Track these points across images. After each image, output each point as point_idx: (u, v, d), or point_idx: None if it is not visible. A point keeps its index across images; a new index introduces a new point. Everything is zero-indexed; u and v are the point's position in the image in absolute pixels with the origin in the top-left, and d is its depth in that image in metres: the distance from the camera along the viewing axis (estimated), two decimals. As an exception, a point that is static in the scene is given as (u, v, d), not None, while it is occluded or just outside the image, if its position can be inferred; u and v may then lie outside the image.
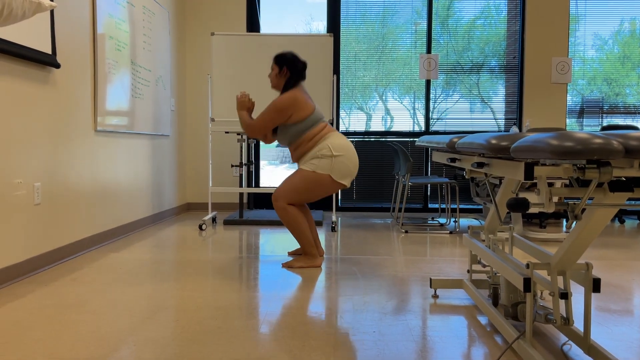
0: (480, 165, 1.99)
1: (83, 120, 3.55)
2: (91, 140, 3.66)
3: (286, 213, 3.26)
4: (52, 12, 3.15)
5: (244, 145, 5.26)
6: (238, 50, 4.86)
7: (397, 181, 5.51)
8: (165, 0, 5.19)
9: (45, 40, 3.05)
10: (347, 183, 3.30)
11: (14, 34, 2.77)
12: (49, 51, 3.10)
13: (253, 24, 5.96)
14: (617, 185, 1.48)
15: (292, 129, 3.28)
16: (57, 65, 3.15)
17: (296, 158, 3.37)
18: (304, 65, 3.38)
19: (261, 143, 6.12)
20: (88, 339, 2.01)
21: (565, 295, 1.72)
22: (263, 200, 6.14)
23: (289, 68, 3.34)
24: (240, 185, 5.28)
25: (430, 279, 2.65)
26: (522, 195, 4.25)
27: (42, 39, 3.02)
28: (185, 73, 5.92)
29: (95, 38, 3.70)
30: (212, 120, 4.88)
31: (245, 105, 3.42)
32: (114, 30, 3.98)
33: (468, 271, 2.60)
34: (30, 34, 2.91)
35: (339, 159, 3.23)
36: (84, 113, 3.56)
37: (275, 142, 3.58)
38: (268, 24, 6.06)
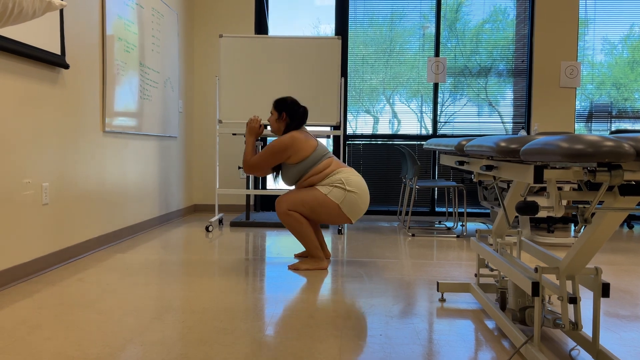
0: (489, 168, 1.98)
1: (91, 121, 3.56)
2: (99, 141, 3.67)
3: (289, 217, 3.25)
4: (61, 12, 3.17)
5: (251, 147, 5.26)
6: (246, 52, 4.87)
7: (404, 184, 5.50)
8: (174, 2, 5.21)
9: (54, 41, 3.07)
10: (353, 220, 3.27)
11: (24, 34, 2.79)
12: (58, 52, 3.11)
13: (261, 26, 5.97)
14: (627, 189, 1.46)
15: (294, 170, 3.28)
16: (66, 66, 3.16)
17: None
18: (304, 111, 3.38)
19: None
20: (95, 338, 2.01)
21: (574, 300, 1.71)
22: (270, 202, 6.14)
23: (288, 114, 3.35)
24: (247, 187, 5.29)
25: (438, 283, 2.64)
26: (530, 198, 4.23)
27: (51, 39, 3.04)
28: (194, 75, 5.94)
29: (105, 39, 3.71)
30: (220, 122, 4.88)
31: (254, 131, 3.42)
32: (123, 32, 4.00)
33: (475, 275, 2.58)
34: (39, 34, 2.92)
35: (352, 195, 3.19)
36: (92, 114, 3.57)
37: None
38: (276, 26, 6.07)
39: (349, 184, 3.21)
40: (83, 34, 3.45)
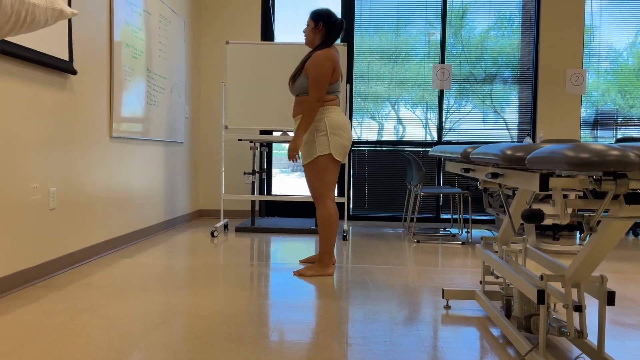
0: (495, 175, 1.98)
1: (99, 127, 3.59)
2: (106, 146, 3.70)
3: (327, 210, 3.29)
4: (69, 19, 3.20)
5: (257, 152, 5.28)
6: (252, 58, 4.89)
7: (409, 191, 5.50)
8: (181, 8, 5.25)
9: (62, 47, 3.10)
10: (343, 159, 3.32)
11: (32, 40, 2.82)
12: (66, 58, 3.14)
13: (267, 33, 6.00)
14: (633, 198, 1.47)
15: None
16: (74, 72, 3.19)
17: (295, 113, 3.37)
18: (341, 23, 3.34)
19: (274, 151, 6.14)
20: (101, 342, 2.03)
21: (579, 308, 1.71)
22: (275, 207, 6.16)
23: (325, 24, 3.31)
24: (253, 193, 5.30)
25: (443, 290, 2.64)
26: (535, 206, 4.22)
27: (59, 45, 3.07)
28: (200, 81, 5.97)
29: (112, 45, 3.74)
30: (226, 127, 4.91)
31: (297, 150, 3.31)
32: (131, 38, 4.03)
33: (481, 282, 2.58)
34: (48, 40, 2.95)
35: (334, 138, 3.24)
36: (99, 119, 3.60)
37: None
38: (282, 32, 6.10)
39: (330, 126, 3.23)
40: (91, 41, 3.48)
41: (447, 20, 5.95)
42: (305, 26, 3.40)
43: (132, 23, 4.05)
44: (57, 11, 1.55)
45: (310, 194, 3.37)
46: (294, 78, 3.35)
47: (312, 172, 3.30)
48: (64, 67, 3.07)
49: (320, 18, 3.31)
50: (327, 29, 3.31)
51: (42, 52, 2.88)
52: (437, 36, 5.97)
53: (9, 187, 2.67)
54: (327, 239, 3.30)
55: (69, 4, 3.18)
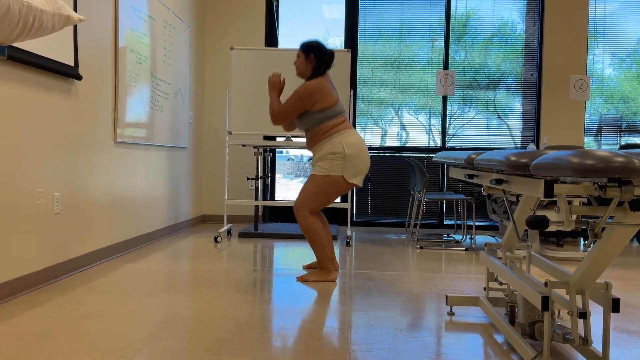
0: (499, 182, 1.98)
1: (103, 132, 3.60)
2: (110, 151, 3.71)
3: (307, 222, 3.27)
4: (75, 25, 3.22)
5: (260, 158, 5.29)
6: (256, 64, 4.91)
7: (413, 197, 5.50)
8: (186, 14, 5.28)
9: (68, 53, 3.12)
10: (359, 182, 3.31)
11: (38, 46, 2.84)
12: (72, 63, 3.16)
13: (271, 39, 6.02)
14: (638, 205, 1.47)
15: (314, 117, 3.30)
16: (79, 77, 3.20)
17: (310, 145, 3.40)
18: (331, 54, 3.37)
19: (277, 156, 6.15)
20: (104, 347, 2.03)
21: (584, 315, 1.70)
22: (278, 213, 6.16)
23: (316, 55, 3.34)
24: (256, 198, 5.30)
25: (446, 296, 2.63)
26: (539, 212, 4.22)
27: (65, 51, 3.08)
28: (204, 86, 5.99)
29: (117, 51, 3.76)
30: (230, 133, 4.92)
31: (276, 85, 3.43)
32: (135, 44, 4.05)
33: (485, 289, 2.58)
34: (53, 46, 2.97)
35: (350, 159, 3.24)
36: (104, 124, 3.61)
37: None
38: (286, 38, 6.12)
39: (347, 146, 3.24)
40: (96, 46, 3.50)
41: (450, 26, 5.96)
42: (296, 58, 3.44)
43: (137, 29, 4.07)
44: (64, 17, 1.56)
45: (296, 203, 3.34)
46: (298, 117, 3.39)
47: (314, 185, 3.29)
48: (69, 73, 3.09)
49: (310, 50, 3.35)
50: (318, 60, 3.35)
51: (47, 57, 2.89)
52: (441, 42, 5.98)
53: (14, 192, 2.68)
54: (318, 247, 3.29)
55: (75, 10, 3.20)
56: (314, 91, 3.23)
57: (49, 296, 2.73)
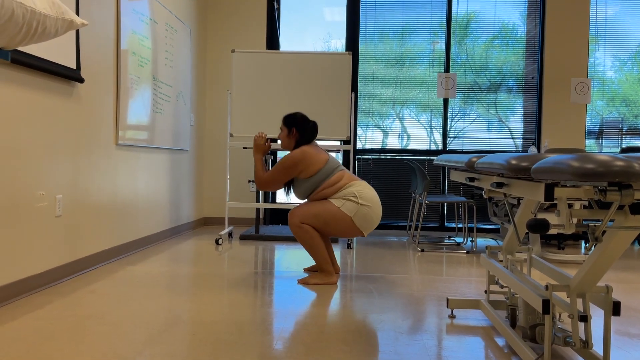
0: (500, 185, 1.99)
1: (105, 134, 3.61)
2: (112, 154, 3.72)
3: (301, 230, 3.26)
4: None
5: (262, 161, 5.29)
6: (258, 67, 4.92)
7: (414, 199, 5.50)
8: (187, 17, 5.29)
9: (70, 56, 3.13)
10: (365, 233, 3.27)
11: (40, 49, 2.85)
12: (74, 66, 3.17)
13: (273, 42, 6.04)
14: (638, 208, 1.47)
15: (306, 184, 3.30)
16: (81, 80, 3.21)
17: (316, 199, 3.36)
18: (314, 126, 3.38)
19: (278, 159, 6.16)
20: (106, 350, 2.03)
21: (584, 318, 1.71)
22: (279, 216, 6.16)
23: (298, 129, 3.36)
24: (257, 201, 5.31)
25: (447, 299, 2.64)
26: (540, 216, 4.22)
27: (67, 54, 3.10)
28: (206, 89, 6.00)
29: (119, 54, 3.77)
30: (231, 135, 4.93)
31: (260, 148, 3.45)
32: (137, 47, 4.06)
33: (485, 292, 2.58)
34: (55, 49, 2.98)
35: (365, 208, 3.20)
36: (106, 127, 3.62)
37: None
38: (287, 41, 6.13)
39: (362, 197, 3.21)
40: (98, 49, 3.51)
41: (451, 29, 5.97)
42: (279, 132, 3.45)
43: (138, 31, 4.08)
44: (68, 22, 1.57)
45: (294, 209, 3.32)
46: (292, 187, 3.41)
47: (322, 207, 3.23)
48: (71, 75, 3.10)
49: (293, 124, 3.37)
50: (300, 133, 3.37)
51: (50, 60, 2.91)
52: (442, 45, 5.99)
53: (15, 194, 2.69)
54: (315, 251, 3.28)
55: (77, 13, 3.21)
56: (298, 161, 3.24)
57: (50, 298, 2.74)
